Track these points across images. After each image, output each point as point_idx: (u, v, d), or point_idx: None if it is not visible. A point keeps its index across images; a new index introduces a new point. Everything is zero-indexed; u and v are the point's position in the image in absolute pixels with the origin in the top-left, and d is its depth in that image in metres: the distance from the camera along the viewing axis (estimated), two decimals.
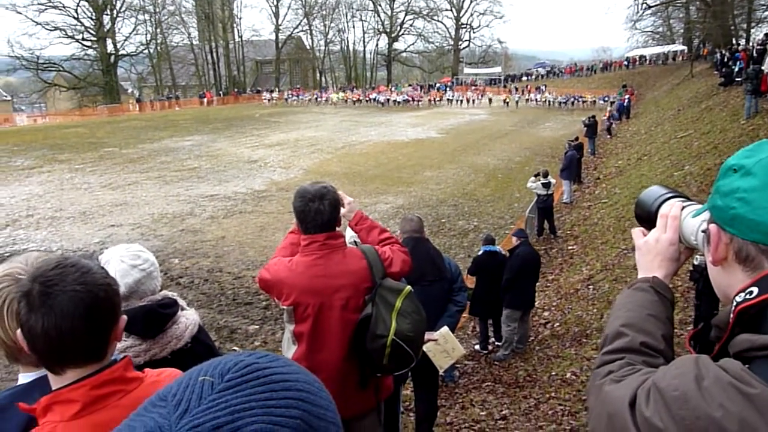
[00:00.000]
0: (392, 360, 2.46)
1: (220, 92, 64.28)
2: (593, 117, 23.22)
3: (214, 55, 69.31)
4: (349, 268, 2.51)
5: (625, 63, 59.07)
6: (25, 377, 1.36)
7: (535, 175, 12.87)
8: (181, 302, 2.17)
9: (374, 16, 76.54)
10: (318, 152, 25.71)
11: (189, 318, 2.16)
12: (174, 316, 2.02)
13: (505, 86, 63.02)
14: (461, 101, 49.39)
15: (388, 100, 51.19)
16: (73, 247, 12.22)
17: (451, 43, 77.13)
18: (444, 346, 3.93)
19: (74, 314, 1.07)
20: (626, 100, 33.83)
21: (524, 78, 66.92)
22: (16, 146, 28.39)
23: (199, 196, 16.98)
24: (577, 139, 19.37)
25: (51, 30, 58.61)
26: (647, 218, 1.21)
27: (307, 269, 2.47)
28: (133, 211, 15.38)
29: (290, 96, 55.39)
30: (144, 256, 2.00)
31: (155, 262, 2.08)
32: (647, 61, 56.42)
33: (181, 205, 15.97)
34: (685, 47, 52.30)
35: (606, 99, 42.30)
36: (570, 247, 11.93)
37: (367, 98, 53.17)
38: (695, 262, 5.86)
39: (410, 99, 50.52)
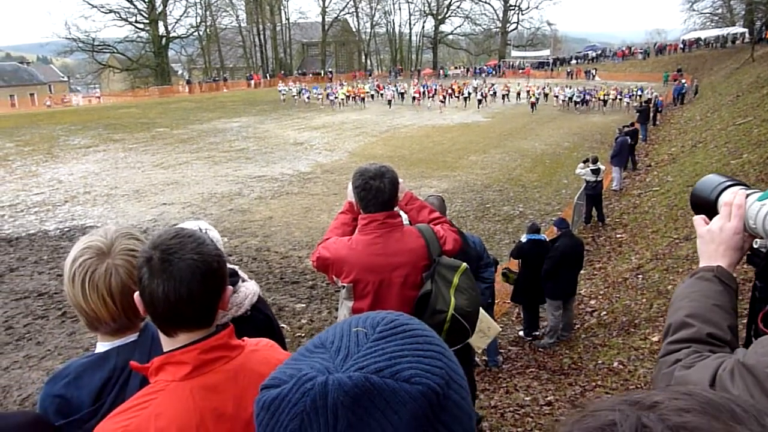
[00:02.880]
0: (450, 335, 2.51)
1: (267, 74, 64.98)
2: (647, 102, 22.49)
3: (262, 37, 70.01)
4: (408, 246, 2.56)
5: (681, 46, 56.61)
6: (102, 346, 1.43)
7: (584, 161, 12.60)
8: (242, 274, 2.27)
9: None
10: (362, 135, 25.79)
11: (249, 288, 2.25)
12: (235, 285, 2.12)
13: (552, 69, 61.56)
14: (482, 97, 37.94)
15: (402, 94, 41.35)
16: (128, 223, 12.67)
17: (499, 25, 75.62)
18: (479, 326, 3.90)
19: (191, 281, 1.15)
20: (681, 85, 32.60)
21: (573, 61, 65.19)
22: (73, 126, 29.48)
23: (246, 177, 17.32)
24: (632, 124, 18.80)
25: (106, 13, 60.40)
26: (705, 207, 1.20)
27: (367, 247, 2.53)
28: (184, 190, 15.81)
29: (303, 90, 42.30)
30: (213, 232, 2.10)
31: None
32: (705, 44, 54.00)
33: (230, 185, 16.33)
34: (746, 30, 49.72)
35: (632, 95, 34.18)
36: (618, 236, 11.67)
37: (377, 91, 42.99)
38: (755, 246, 5.67)
39: (416, 96, 39.21)
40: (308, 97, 40.85)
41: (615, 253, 10.72)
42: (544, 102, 37.36)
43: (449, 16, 76.57)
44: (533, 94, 35.42)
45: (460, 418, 0.63)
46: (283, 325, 7.43)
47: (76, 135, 26.74)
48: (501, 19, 75.13)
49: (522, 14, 75.15)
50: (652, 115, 24.80)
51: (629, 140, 16.90)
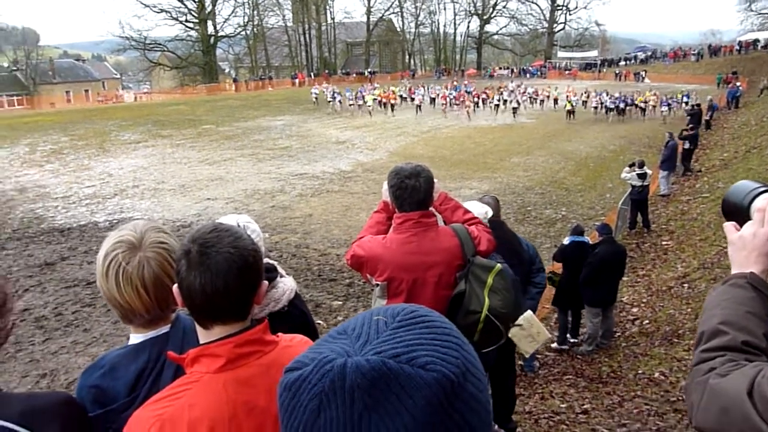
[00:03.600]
0: (483, 336, 2.50)
1: (312, 73, 65.67)
2: (698, 105, 21.76)
3: (307, 36, 70.82)
4: (442, 245, 2.56)
5: (737, 47, 54.46)
6: (136, 338, 1.46)
7: (630, 165, 12.28)
8: (280, 270, 2.31)
9: None
10: (404, 135, 25.80)
11: (287, 284, 2.29)
12: (273, 281, 2.15)
13: (600, 71, 60.18)
14: (517, 104, 32.82)
15: (433, 99, 37.65)
16: (173, 217, 13.03)
17: (546, 25, 74.40)
18: (529, 330, 3.83)
19: (227, 274, 1.18)
20: (736, 88, 31.40)
21: (622, 62, 63.59)
22: (123, 121, 30.46)
23: (289, 174, 17.56)
24: (691, 128, 18.17)
25: (157, 12, 62.23)
26: (737, 213, 1.17)
27: (402, 246, 2.54)
28: (228, 186, 16.15)
29: (335, 94, 37.21)
30: (253, 226, 2.14)
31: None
32: (763, 46, 51.82)
33: (272, 182, 16.59)
34: None
35: (672, 103, 30.55)
36: (664, 243, 11.34)
37: (409, 95, 38.72)
38: None
39: (443, 103, 34.97)
40: (340, 102, 36.21)
41: (660, 260, 10.42)
42: (583, 109, 32.77)
43: (495, 16, 75.80)
44: (570, 102, 31.10)
45: (476, 410, 0.64)
46: (319, 321, 7.52)
47: (127, 130, 27.63)
48: (548, 19, 73.90)
49: (570, 14, 73.74)
50: (706, 119, 23.98)
51: (688, 145, 16.39)
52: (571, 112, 30.33)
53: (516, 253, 4.11)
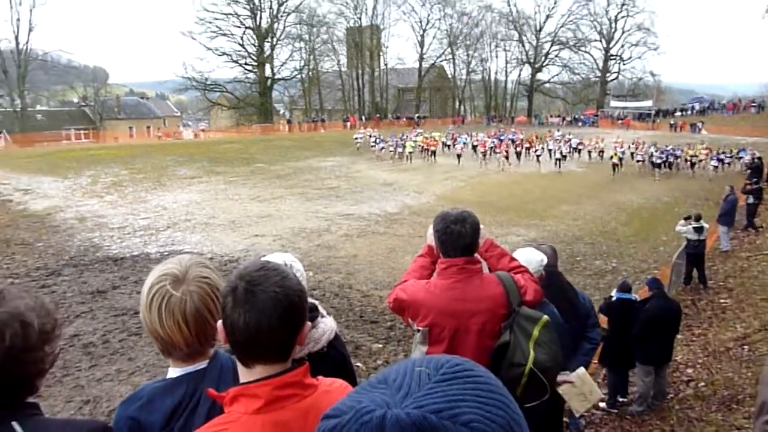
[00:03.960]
0: (526, 391, 2.40)
1: (363, 117, 67.04)
2: (759, 158, 21.01)
3: (360, 81, 72.63)
4: (487, 293, 2.51)
5: None
6: (174, 372, 1.48)
7: (686, 218, 11.87)
8: (322, 309, 2.30)
9: (518, 47, 75.92)
10: (451, 179, 25.82)
11: (327, 324, 2.27)
12: (314, 321, 2.14)
13: (654, 121, 59.16)
14: (560, 156, 30.48)
15: (475, 147, 34.42)
16: (221, 251, 13.30)
17: (598, 74, 74.11)
18: (581, 388, 3.65)
19: (272, 313, 1.18)
20: None
21: (678, 113, 62.41)
22: (181, 157, 31.65)
23: (335, 214, 17.75)
24: (756, 182, 17.49)
25: (219, 55, 65.23)
26: None
27: (445, 292, 2.50)
28: (276, 223, 16.42)
29: (378, 140, 35.78)
30: (297, 265, 2.15)
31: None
32: None
33: (319, 221, 16.79)
34: None
35: (724, 157, 28.83)
36: (722, 300, 10.80)
37: (452, 141, 36.33)
38: None
39: (484, 152, 31.99)
40: (382, 148, 34.09)
41: (717, 319, 9.91)
42: (631, 161, 29.99)
43: (547, 64, 76.06)
44: (616, 154, 28.13)
45: None
46: (358, 363, 7.43)
47: (183, 166, 28.68)
48: (601, 68, 73.65)
49: (623, 64, 73.33)
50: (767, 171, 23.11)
51: (752, 200, 15.80)
52: (617, 165, 27.69)
53: (572, 305, 3.98)
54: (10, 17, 54.74)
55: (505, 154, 30.75)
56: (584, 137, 38.51)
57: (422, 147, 33.69)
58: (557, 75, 77.31)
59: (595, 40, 73.78)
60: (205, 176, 25.73)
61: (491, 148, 32.40)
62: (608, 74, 73.64)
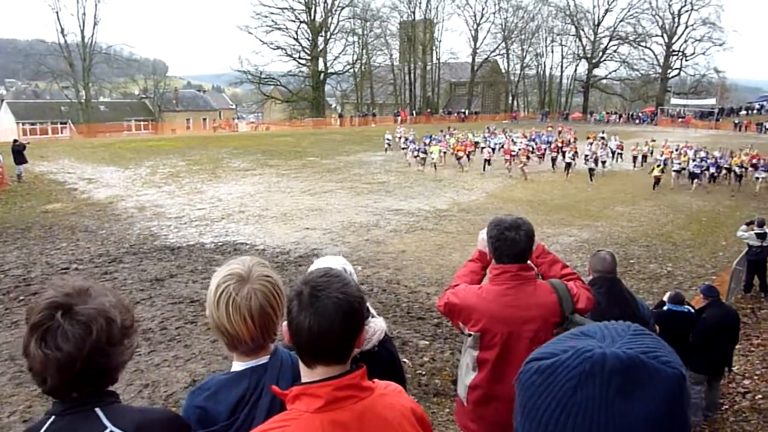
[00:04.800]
0: None
1: (414, 111, 66.97)
2: None
3: (412, 75, 72.56)
4: (540, 300, 2.51)
5: None
6: (238, 365, 1.58)
7: (748, 223, 11.37)
8: (371, 309, 2.36)
9: (575, 41, 74.16)
10: (503, 176, 25.50)
11: (378, 324, 2.33)
12: (365, 320, 2.20)
13: (717, 120, 56.69)
14: (594, 164, 25.68)
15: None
16: (273, 243, 13.60)
17: (659, 70, 71.50)
18: None
19: (334, 318, 1.27)
20: None
21: (743, 112, 59.61)
22: (236, 150, 32.46)
23: (385, 209, 17.85)
24: None
25: (274, 49, 66.50)
26: None
27: (498, 298, 2.52)
28: (326, 217, 16.65)
29: (408, 142, 30.52)
30: (349, 268, 2.21)
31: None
32: None
33: (369, 216, 16.92)
34: None
35: None
36: None
37: (472, 149, 30.03)
38: None
39: (506, 158, 26.88)
40: (416, 156, 27.75)
41: None
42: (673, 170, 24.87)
43: (604, 60, 73.98)
44: (658, 166, 23.92)
45: (689, 408, 0.77)
46: (404, 360, 7.49)
47: (238, 158, 29.40)
48: (661, 64, 71.04)
49: (686, 60, 70.54)
50: None
51: None
52: (659, 179, 22.91)
53: (633, 313, 3.91)
54: (77, 12, 57.45)
55: (521, 161, 25.53)
56: (622, 141, 33.52)
57: (453, 153, 28.70)
58: (615, 71, 75.13)
59: (657, 35, 71.22)
60: (258, 168, 26.31)
61: (514, 155, 26.86)
62: (669, 71, 70.98)
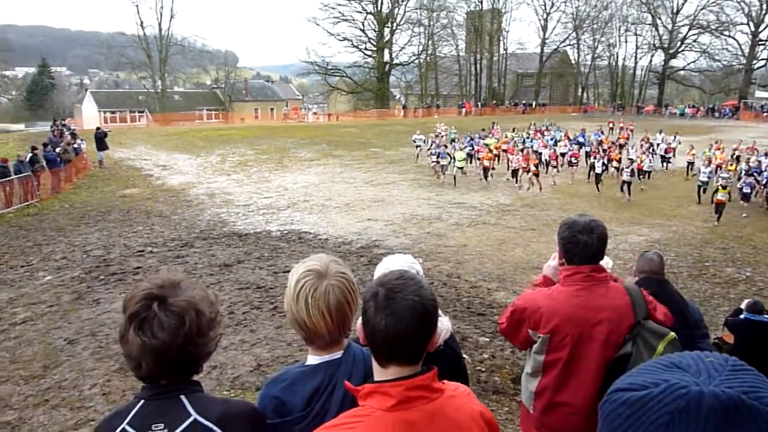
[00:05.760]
0: None
1: (479, 103, 66.09)
2: None
3: (478, 66, 71.55)
4: (613, 302, 2.46)
5: None
6: (313, 359, 1.64)
7: None
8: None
9: (651, 31, 70.81)
10: (565, 172, 24.80)
11: (444, 324, 2.35)
12: None
13: None
14: (627, 175, 19.03)
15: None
16: (336, 233, 13.83)
17: (743, 61, 67.27)
18: None
19: (409, 320, 1.31)
20: None
21: None
22: (302, 140, 33.09)
23: (447, 202, 17.77)
24: None
25: (341, 40, 67.29)
26: None
27: (569, 298, 2.47)
28: (388, 208, 16.76)
29: (433, 144, 24.60)
30: (417, 267, 2.24)
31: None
32: None
33: (431, 208, 16.90)
34: None
35: None
36: None
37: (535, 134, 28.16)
38: None
39: (551, 160, 22.68)
40: (435, 162, 22.00)
41: None
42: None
43: (683, 50, 70.30)
44: (725, 187, 16.60)
45: None
46: (464, 356, 7.46)
47: (303, 148, 29.97)
48: (746, 54, 66.85)
49: None
50: None
51: None
52: (722, 205, 16.24)
53: (682, 314, 3.78)
54: (155, 5, 59.88)
55: (531, 172, 20.29)
56: (670, 143, 27.09)
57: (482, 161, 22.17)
58: (694, 62, 71.17)
59: (742, 24, 66.86)
60: (323, 159, 26.74)
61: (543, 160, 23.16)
62: (755, 61, 66.65)
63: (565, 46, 72.58)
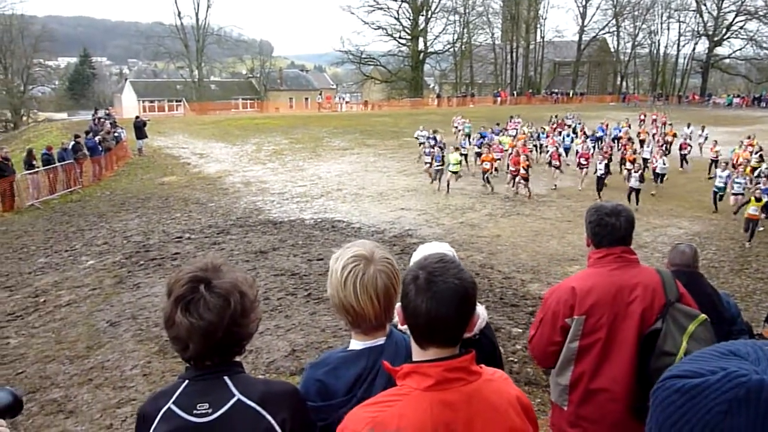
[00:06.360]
0: None
1: (514, 92, 65.19)
2: None
3: (514, 54, 70.51)
4: (645, 281, 2.46)
5: None
6: (356, 344, 1.65)
7: None
8: None
9: (695, 17, 68.53)
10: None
11: (480, 313, 2.35)
12: None
13: None
14: (636, 182, 15.89)
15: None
16: (369, 222, 13.89)
17: None
18: None
19: (450, 302, 1.33)
20: None
21: None
22: (335, 129, 33.22)
23: (480, 193, 17.65)
24: None
25: (375, 29, 67.09)
26: None
27: (604, 277, 2.47)
28: (421, 198, 16.74)
29: (432, 142, 20.96)
30: (453, 255, 2.25)
31: None
32: None
33: (464, 198, 16.82)
34: None
35: None
36: None
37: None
38: None
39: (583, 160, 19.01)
40: (428, 164, 18.97)
41: None
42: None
43: (728, 37, 67.87)
44: (759, 200, 13.06)
45: None
46: None
47: (337, 137, 30.10)
48: None
49: None
50: None
51: None
52: (754, 221, 13.04)
53: (715, 308, 3.70)
54: None
55: (520, 176, 17.40)
56: (748, 123, 26.53)
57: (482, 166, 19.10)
58: (740, 49, 68.60)
59: None
60: (356, 148, 26.82)
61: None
62: None
63: (604, 34, 70.89)
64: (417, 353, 1.40)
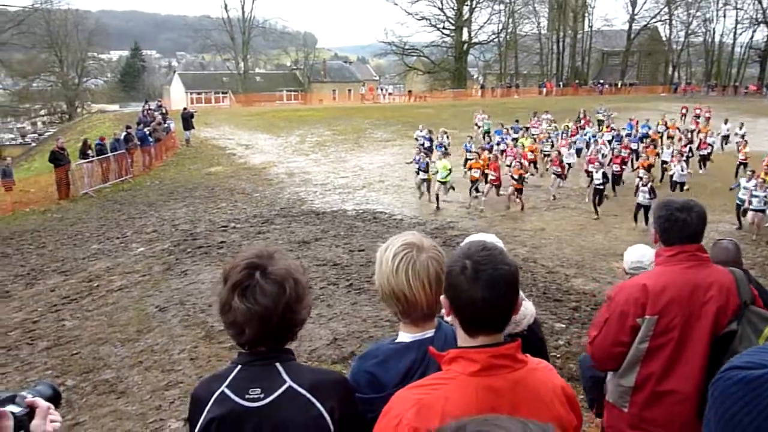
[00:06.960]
0: None
1: (560, 83, 63.83)
2: None
3: (561, 44, 68.92)
4: (719, 281, 2.37)
5: None
6: (405, 336, 1.65)
7: None
8: (521, 294, 2.36)
9: (754, 4, 65.39)
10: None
11: (528, 308, 2.34)
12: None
13: None
14: (645, 198, 12.87)
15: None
16: (410, 213, 13.90)
17: None
18: None
19: (503, 289, 1.34)
20: None
21: None
22: (377, 120, 33.25)
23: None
24: None
25: (419, 19, 66.52)
26: None
27: (678, 276, 2.38)
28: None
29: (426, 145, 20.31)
30: (501, 246, 2.24)
31: None
32: None
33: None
34: None
35: None
36: None
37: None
38: None
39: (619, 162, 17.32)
40: (422, 180, 15.81)
41: None
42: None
43: None
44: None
45: None
46: None
47: (379, 129, 30.14)
48: None
49: None
50: None
51: None
52: None
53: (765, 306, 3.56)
54: None
55: (512, 194, 14.99)
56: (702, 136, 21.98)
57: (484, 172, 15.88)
58: None
59: None
60: (398, 139, 26.80)
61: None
62: None
63: (655, 22, 68.49)
64: (464, 340, 1.41)
